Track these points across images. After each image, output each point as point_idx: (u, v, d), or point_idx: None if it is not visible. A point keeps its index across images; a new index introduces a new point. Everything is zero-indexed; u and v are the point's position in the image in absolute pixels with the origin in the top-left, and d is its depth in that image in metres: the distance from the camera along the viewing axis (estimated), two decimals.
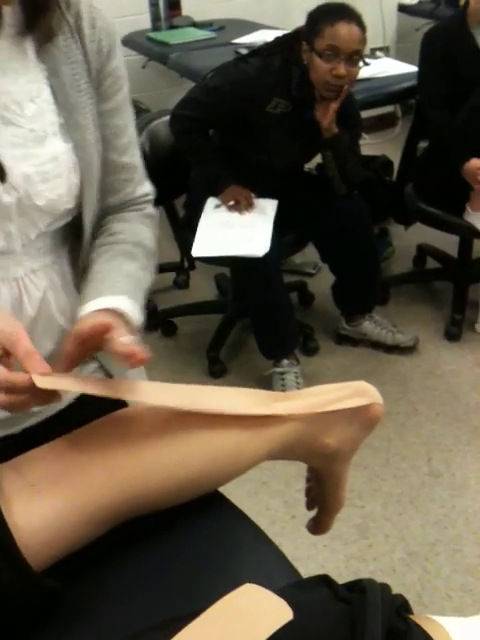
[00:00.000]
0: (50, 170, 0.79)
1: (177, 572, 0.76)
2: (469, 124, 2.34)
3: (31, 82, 0.79)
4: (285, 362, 2.32)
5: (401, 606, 0.62)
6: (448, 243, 2.86)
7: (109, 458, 0.72)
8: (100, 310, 0.78)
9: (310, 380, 2.38)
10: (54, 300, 0.88)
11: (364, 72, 2.21)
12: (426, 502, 1.95)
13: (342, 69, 2.00)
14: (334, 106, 2.08)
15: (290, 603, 0.59)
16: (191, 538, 0.80)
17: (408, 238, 3.14)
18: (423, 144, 2.72)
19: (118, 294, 0.81)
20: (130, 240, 0.90)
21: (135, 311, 0.81)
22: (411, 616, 0.62)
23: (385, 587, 0.63)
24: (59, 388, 0.71)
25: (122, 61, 0.88)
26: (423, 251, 3.06)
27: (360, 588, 0.62)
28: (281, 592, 0.61)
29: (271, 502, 1.95)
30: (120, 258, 0.88)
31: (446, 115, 2.43)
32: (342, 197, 2.33)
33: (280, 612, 0.58)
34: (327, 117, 2.11)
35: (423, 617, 0.63)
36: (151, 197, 0.98)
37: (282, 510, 1.92)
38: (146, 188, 0.97)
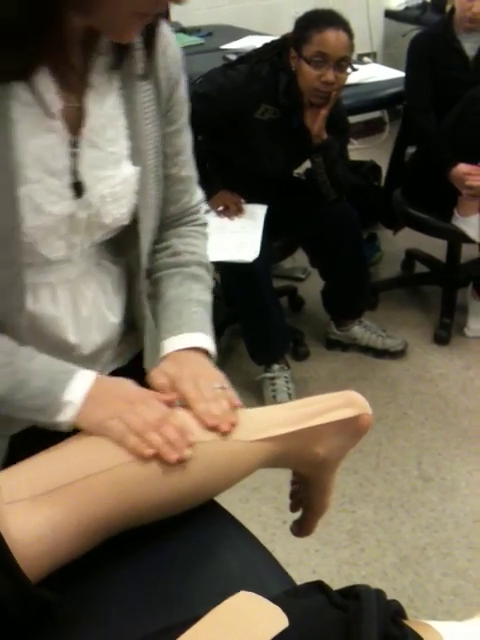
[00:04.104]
0: (120, 191, 0.84)
1: (170, 580, 0.75)
2: (456, 129, 2.35)
3: (112, 107, 0.83)
4: (275, 367, 2.32)
5: (396, 612, 0.62)
6: (436, 248, 2.88)
7: (105, 470, 0.72)
8: (184, 349, 0.89)
9: (300, 385, 2.39)
10: (104, 300, 0.94)
11: (352, 78, 2.22)
12: (417, 506, 1.96)
13: (330, 75, 2.01)
14: (323, 113, 2.09)
15: (285, 610, 0.59)
16: (184, 545, 0.80)
17: (397, 243, 3.16)
18: (411, 149, 2.74)
19: (197, 330, 0.92)
20: (194, 261, 1.00)
21: (213, 345, 0.93)
22: (406, 621, 0.62)
23: (380, 593, 0.63)
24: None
25: (186, 86, 0.95)
26: (412, 256, 3.08)
27: (355, 594, 0.62)
28: (276, 599, 0.61)
29: (263, 508, 1.95)
30: (189, 282, 0.97)
31: (432, 120, 2.45)
32: (331, 202, 2.34)
33: (276, 619, 0.58)
34: (317, 123, 2.11)
35: (418, 622, 0.63)
36: (203, 203, 1.06)
37: (274, 516, 1.91)
38: (199, 196, 1.05)
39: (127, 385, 0.83)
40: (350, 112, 2.47)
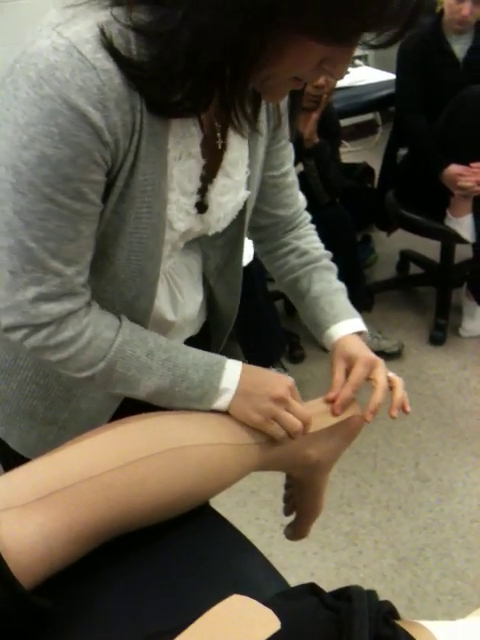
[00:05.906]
0: (231, 212, 0.92)
1: (165, 584, 0.75)
2: (447, 130, 2.36)
3: (244, 140, 0.89)
4: (271, 370, 2.32)
5: (388, 612, 0.62)
6: (430, 248, 2.89)
7: (98, 476, 0.72)
8: (349, 335, 1.02)
9: (297, 388, 2.38)
10: (191, 282, 1.00)
11: (344, 81, 2.24)
12: (414, 507, 1.96)
13: (321, 79, 2.01)
14: (315, 116, 2.11)
15: (277, 613, 0.59)
16: (179, 550, 0.80)
17: (391, 244, 3.16)
18: (403, 151, 2.75)
19: (352, 316, 1.04)
20: (322, 255, 1.11)
21: (364, 326, 1.05)
22: (398, 621, 0.62)
23: (372, 594, 0.63)
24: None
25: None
26: (406, 257, 3.08)
27: (347, 595, 0.62)
28: (268, 602, 0.61)
29: (260, 512, 1.95)
30: (326, 274, 1.10)
31: (423, 122, 2.45)
32: (324, 205, 2.35)
33: (268, 622, 0.58)
34: (308, 127, 2.12)
35: (410, 622, 0.63)
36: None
37: (271, 519, 1.92)
38: (303, 198, 1.13)
39: (268, 375, 0.94)
40: (342, 115, 2.48)
